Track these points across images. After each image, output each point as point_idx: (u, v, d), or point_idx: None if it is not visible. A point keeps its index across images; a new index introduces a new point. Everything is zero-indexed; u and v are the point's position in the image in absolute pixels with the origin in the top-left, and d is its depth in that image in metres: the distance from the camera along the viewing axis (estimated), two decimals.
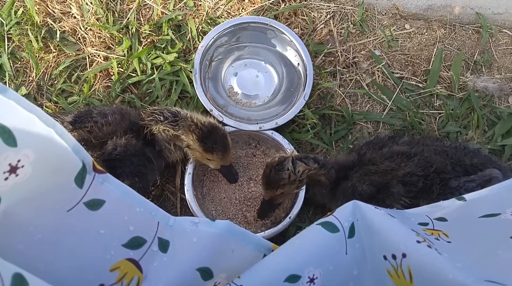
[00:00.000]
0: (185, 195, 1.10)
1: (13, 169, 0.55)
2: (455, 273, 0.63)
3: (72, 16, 1.28)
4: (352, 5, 1.34)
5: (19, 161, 0.56)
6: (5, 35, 1.23)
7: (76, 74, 1.24)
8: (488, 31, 1.34)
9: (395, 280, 0.72)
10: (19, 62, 1.24)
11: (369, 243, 0.77)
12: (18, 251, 0.61)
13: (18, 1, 1.27)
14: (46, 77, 1.23)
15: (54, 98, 1.20)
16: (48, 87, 1.22)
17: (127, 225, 0.69)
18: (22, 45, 1.24)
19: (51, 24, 1.26)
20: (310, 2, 1.33)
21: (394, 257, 0.72)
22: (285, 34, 1.21)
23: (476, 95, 1.27)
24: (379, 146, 1.11)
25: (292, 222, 1.10)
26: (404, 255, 0.71)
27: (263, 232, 1.07)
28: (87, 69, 1.24)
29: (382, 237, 0.74)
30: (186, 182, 1.11)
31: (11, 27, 1.24)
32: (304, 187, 1.10)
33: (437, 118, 1.26)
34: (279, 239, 1.10)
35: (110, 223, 0.68)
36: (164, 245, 0.72)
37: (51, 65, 1.24)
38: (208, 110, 1.15)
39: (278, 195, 1.04)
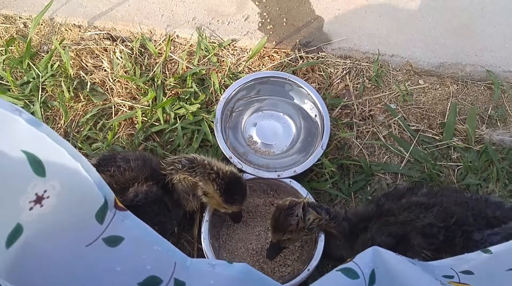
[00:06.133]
0: (201, 245, 1.09)
1: (39, 199, 0.57)
2: None
3: (102, 69, 1.37)
4: (367, 62, 1.41)
5: (45, 191, 0.57)
6: (40, 86, 1.32)
7: (102, 122, 1.29)
8: (499, 88, 1.38)
9: None
10: (50, 111, 1.31)
11: None
12: (36, 283, 0.61)
13: (55, 56, 1.37)
14: (73, 125, 1.29)
15: (79, 144, 1.24)
16: (75, 134, 1.27)
17: (144, 263, 0.69)
18: (54, 95, 1.32)
19: (83, 76, 1.35)
20: (326, 59, 1.41)
21: None
22: (303, 88, 1.27)
23: (493, 148, 1.27)
24: (397, 197, 1.10)
25: (311, 274, 1.06)
26: None
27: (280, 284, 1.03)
28: (112, 118, 1.30)
29: (404, 285, 0.72)
30: (203, 230, 1.10)
31: (46, 79, 1.32)
32: (323, 238, 1.08)
33: (456, 170, 1.26)
34: None
35: (128, 260, 0.67)
36: None
37: (79, 114, 1.30)
38: (228, 157, 1.17)
39: (285, 240, 1.02)
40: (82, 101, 1.32)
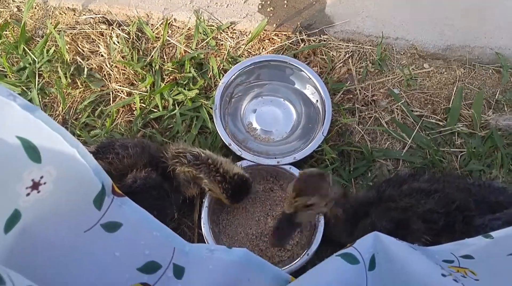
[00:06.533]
0: (201, 230, 1.09)
1: (35, 185, 0.57)
2: None
3: (99, 54, 1.35)
4: (370, 45, 1.37)
5: (41, 177, 0.57)
6: (36, 72, 1.30)
7: (100, 109, 1.27)
8: (509, 71, 1.33)
9: None
10: (48, 97, 1.30)
11: (391, 276, 0.74)
12: (34, 269, 0.61)
13: (51, 40, 1.35)
14: (71, 112, 1.27)
15: (78, 132, 1.23)
16: (73, 121, 1.26)
17: (143, 249, 0.69)
18: (51, 81, 1.30)
19: (80, 61, 1.32)
20: (329, 42, 1.36)
21: None
22: (304, 72, 1.24)
23: (499, 133, 1.24)
24: (399, 184, 1.09)
25: (310, 259, 1.06)
26: None
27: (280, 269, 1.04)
28: (110, 104, 1.29)
29: (405, 270, 0.72)
30: (202, 215, 1.10)
31: (42, 65, 1.30)
32: (322, 222, 1.08)
33: (459, 156, 1.24)
34: (297, 277, 1.06)
35: (126, 246, 0.68)
36: (179, 272, 0.71)
37: (77, 100, 1.29)
38: (227, 144, 1.16)
39: (302, 212, 0.97)
40: (80, 88, 1.30)
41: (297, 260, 1.06)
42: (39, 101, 1.27)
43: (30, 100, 1.27)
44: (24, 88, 1.28)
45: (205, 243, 1.08)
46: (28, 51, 1.31)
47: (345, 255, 0.74)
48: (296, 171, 1.15)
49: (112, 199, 0.68)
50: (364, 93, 1.31)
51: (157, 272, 0.70)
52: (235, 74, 1.24)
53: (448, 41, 1.37)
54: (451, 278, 0.66)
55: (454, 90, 1.32)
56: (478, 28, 1.39)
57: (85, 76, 1.30)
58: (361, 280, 0.73)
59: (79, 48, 1.35)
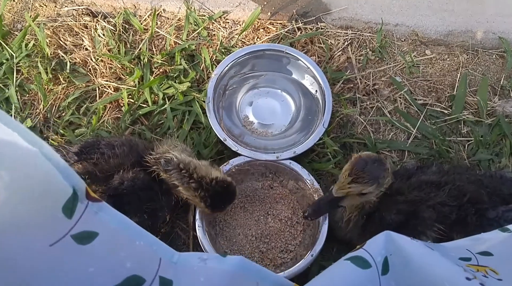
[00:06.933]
0: (196, 233, 1.01)
1: None
2: None
3: (83, 48, 1.26)
4: (370, 32, 1.31)
5: None
6: (14, 68, 1.21)
7: (85, 105, 1.19)
8: None
9: None
10: (27, 95, 1.21)
11: (407, 281, 0.66)
12: None
13: (30, 34, 1.26)
14: (53, 109, 1.19)
15: (61, 131, 1.15)
16: (56, 120, 1.17)
17: (123, 261, 0.58)
18: (31, 77, 1.21)
19: (62, 56, 1.24)
20: (326, 30, 1.30)
21: None
22: (301, 61, 1.17)
23: (506, 120, 1.19)
24: (406, 176, 1.03)
25: (315, 260, 0.99)
26: None
27: (282, 272, 0.96)
28: (96, 101, 1.20)
29: (423, 274, 0.64)
30: (197, 217, 1.02)
31: (20, 60, 1.21)
32: (327, 221, 1.01)
33: (466, 145, 1.18)
34: (301, 280, 0.99)
35: (103, 259, 0.57)
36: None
37: (59, 97, 1.20)
38: (222, 139, 1.08)
39: (351, 197, 0.89)
40: (63, 83, 1.21)
41: (301, 262, 0.99)
42: (18, 98, 1.18)
43: (8, 98, 1.18)
44: (1, 85, 1.19)
45: (200, 246, 1.00)
46: (5, 45, 1.22)
47: (355, 258, 0.66)
48: (297, 166, 1.08)
49: (86, 205, 0.57)
50: (365, 82, 1.24)
51: None
52: (229, 65, 1.16)
53: (449, 27, 1.32)
54: (477, 282, 0.58)
55: (458, 76, 1.26)
56: (479, 12, 1.34)
57: (68, 71, 1.21)
58: (374, 285, 0.66)
59: (61, 42, 1.26)
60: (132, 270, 0.58)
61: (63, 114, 1.18)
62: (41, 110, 1.18)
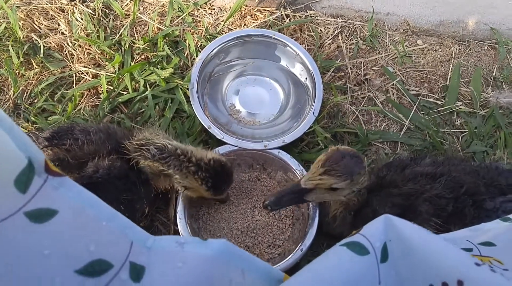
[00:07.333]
0: (178, 226, 0.94)
1: None
2: None
3: (59, 32, 1.19)
4: (360, 21, 1.27)
5: None
6: None
7: (60, 92, 1.11)
8: (505, 47, 1.26)
9: None
10: None
11: (409, 269, 0.60)
12: None
13: (2, 17, 1.18)
14: (25, 96, 1.10)
15: (33, 118, 1.06)
16: (27, 106, 1.09)
17: (86, 244, 0.50)
18: (1, 61, 1.13)
19: (36, 40, 1.16)
20: (316, 18, 1.25)
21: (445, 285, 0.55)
22: (290, 47, 1.12)
23: (500, 112, 1.16)
24: (400, 168, 0.98)
25: (304, 255, 0.93)
26: (460, 283, 0.54)
27: (269, 265, 0.90)
28: (73, 87, 1.12)
29: (427, 261, 0.57)
30: (178, 209, 0.95)
31: None
32: (317, 214, 0.95)
33: (460, 137, 1.14)
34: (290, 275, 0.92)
35: (61, 240, 0.48)
36: (137, 272, 0.52)
37: (31, 83, 1.12)
38: (206, 127, 1.02)
39: (319, 192, 0.83)
40: (35, 68, 1.13)
41: (289, 257, 0.93)
42: None
43: None
44: None
45: None
46: None
47: (352, 244, 0.60)
48: (285, 156, 1.02)
49: (45, 179, 0.48)
50: (356, 72, 1.20)
51: (105, 274, 0.50)
52: (214, 50, 1.10)
53: (441, 17, 1.29)
54: (487, 267, 0.53)
55: (450, 67, 1.23)
56: (471, 3, 1.32)
57: (41, 55, 1.14)
58: (373, 274, 0.59)
59: (35, 25, 1.18)
60: (97, 254, 0.50)
61: (35, 101, 1.10)
62: (11, 96, 1.09)
